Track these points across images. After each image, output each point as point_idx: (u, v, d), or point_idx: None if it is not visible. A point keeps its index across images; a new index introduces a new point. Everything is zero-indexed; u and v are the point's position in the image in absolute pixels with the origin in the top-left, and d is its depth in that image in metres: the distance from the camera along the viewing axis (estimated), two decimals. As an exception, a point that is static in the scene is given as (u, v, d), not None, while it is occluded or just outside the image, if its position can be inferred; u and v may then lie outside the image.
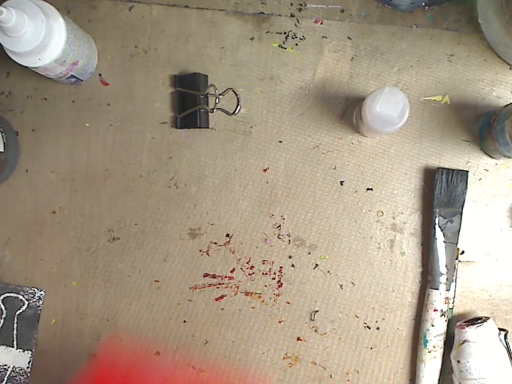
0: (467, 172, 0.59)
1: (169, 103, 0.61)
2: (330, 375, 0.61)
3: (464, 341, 0.56)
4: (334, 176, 0.60)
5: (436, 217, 0.59)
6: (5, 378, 0.61)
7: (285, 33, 0.60)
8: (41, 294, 0.61)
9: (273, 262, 0.60)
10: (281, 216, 0.60)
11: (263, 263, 0.60)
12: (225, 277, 0.60)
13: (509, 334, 0.57)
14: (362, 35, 0.60)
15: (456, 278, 0.59)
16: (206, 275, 0.61)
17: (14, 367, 0.61)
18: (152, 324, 0.61)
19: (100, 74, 0.61)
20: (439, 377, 0.59)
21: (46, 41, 0.50)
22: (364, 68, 0.60)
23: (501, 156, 0.58)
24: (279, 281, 0.60)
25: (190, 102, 0.59)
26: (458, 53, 0.60)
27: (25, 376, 0.61)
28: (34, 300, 0.61)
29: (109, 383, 0.56)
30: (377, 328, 0.60)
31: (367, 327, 0.60)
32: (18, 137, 0.61)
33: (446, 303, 0.58)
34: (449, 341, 0.59)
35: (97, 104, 0.61)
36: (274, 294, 0.60)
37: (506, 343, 0.57)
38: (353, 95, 0.60)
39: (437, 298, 0.58)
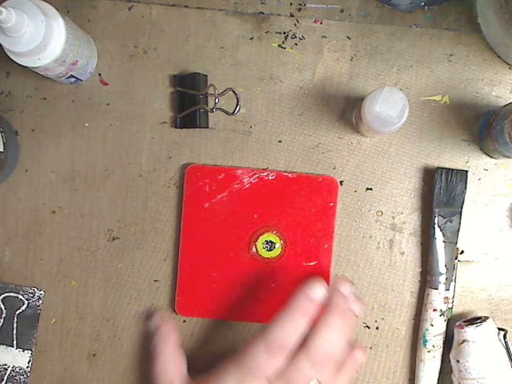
0: (466, 171, 0.59)
1: (169, 103, 0.61)
2: (330, 375, 0.61)
3: (464, 341, 0.56)
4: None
5: (435, 217, 0.59)
6: (5, 378, 0.61)
7: (284, 33, 0.60)
8: (41, 294, 0.61)
9: (272, 262, 0.60)
10: (281, 216, 0.60)
11: (263, 263, 0.60)
12: (225, 276, 0.60)
13: (508, 333, 0.57)
14: (361, 35, 0.60)
15: (455, 278, 0.60)
16: (205, 275, 0.61)
17: (13, 366, 0.61)
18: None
19: (99, 74, 0.61)
20: (438, 376, 0.59)
21: (46, 41, 0.50)
22: (363, 68, 0.60)
23: (501, 156, 0.58)
24: (278, 281, 0.60)
25: (189, 101, 0.59)
26: (458, 52, 0.60)
27: (25, 376, 0.61)
28: (34, 299, 0.61)
29: None
30: (377, 328, 0.61)
31: (366, 326, 0.61)
32: (18, 137, 0.61)
33: (445, 303, 0.58)
34: (448, 341, 0.59)
35: (97, 104, 0.61)
36: (273, 293, 0.60)
37: (506, 343, 0.57)
38: (352, 94, 0.60)
39: (436, 298, 0.58)
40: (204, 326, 0.61)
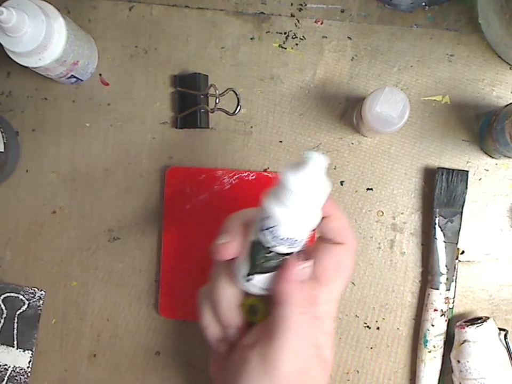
0: (467, 171, 0.59)
1: (170, 103, 0.61)
2: (330, 375, 0.61)
3: (464, 341, 0.56)
4: (334, 176, 0.60)
5: (436, 217, 0.59)
6: (5, 378, 0.61)
7: (285, 33, 0.60)
8: (41, 294, 0.61)
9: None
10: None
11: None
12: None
13: (509, 334, 0.57)
14: (362, 35, 0.60)
15: (456, 278, 0.60)
16: (206, 275, 0.61)
17: (14, 366, 0.61)
18: (152, 324, 0.61)
19: (100, 74, 0.61)
20: (439, 377, 0.59)
21: (46, 41, 0.50)
22: (364, 68, 0.60)
23: (501, 156, 0.58)
24: (279, 281, 0.60)
25: (190, 102, 0.59)
26: (459, 53, 0.60)
27: (25, 376, 0.61)
28: (34, 299, 0.61)
29: None
30: (377, 328, 0.60)
31: (367, 327, 0.61)
32: (18, 137, 0.61)
33: (446, 303, 0.58)
34: (449, 341, 0.59)
35: (98, 104, 0.61)
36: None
37: (506, 343, 0.57)
38: (353, 95, 0.60)
39: (437, 298, 0.58)
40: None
